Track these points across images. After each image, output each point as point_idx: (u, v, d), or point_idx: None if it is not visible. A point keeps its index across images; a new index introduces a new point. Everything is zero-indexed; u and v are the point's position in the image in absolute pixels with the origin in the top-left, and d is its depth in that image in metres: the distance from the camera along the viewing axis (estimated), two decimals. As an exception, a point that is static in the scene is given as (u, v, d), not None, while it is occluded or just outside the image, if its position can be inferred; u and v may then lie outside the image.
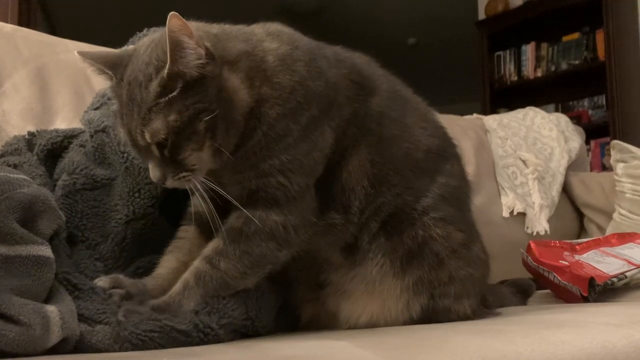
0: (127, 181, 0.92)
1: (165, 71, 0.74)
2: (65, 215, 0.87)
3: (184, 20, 0.73)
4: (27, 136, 1.01)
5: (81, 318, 0.70)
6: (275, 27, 0.89)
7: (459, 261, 0.91)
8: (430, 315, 0.89)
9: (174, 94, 0.74)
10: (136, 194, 0.91)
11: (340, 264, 0.91)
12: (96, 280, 0.81)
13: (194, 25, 0.81)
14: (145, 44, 0.81)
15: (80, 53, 0.81)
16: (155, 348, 0.70)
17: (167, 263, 0.86)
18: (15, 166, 0.92)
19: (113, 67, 0.80)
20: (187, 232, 0.89)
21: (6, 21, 2.40)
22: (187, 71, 0.74)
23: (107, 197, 0.92)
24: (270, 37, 0.86)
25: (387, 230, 0.89)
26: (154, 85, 0.74)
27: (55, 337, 0.64)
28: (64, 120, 1.16)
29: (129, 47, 0.87)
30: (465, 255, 0.92)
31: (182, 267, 0.84)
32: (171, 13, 0.72)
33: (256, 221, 0.80)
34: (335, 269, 0.91)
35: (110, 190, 0.93)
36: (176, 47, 0.73)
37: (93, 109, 1.03)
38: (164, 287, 0.84)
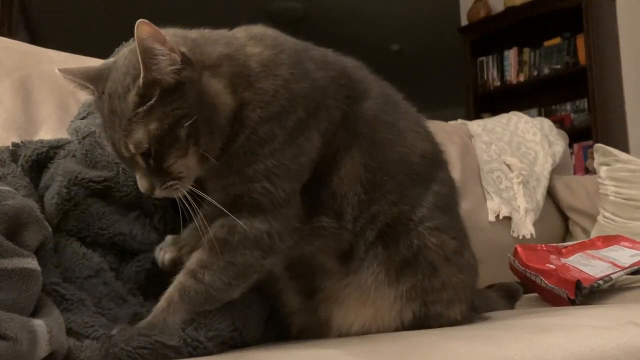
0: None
1: (141, 80, 0.73)
2: (79, 225, 0.87)
3: (154, 26, 0.72)
4: (11, 147, 1.00)
5: (69, 332, 0.69)
6: (258, 30, 0.88)
7: (452, 268, 0.91)
8: (422, 322, 0.89)
9: (152, 102, 0.73)
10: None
11: (336, 271, 0.90)
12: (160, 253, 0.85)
13: (170, 31, 0.80)
14: (124, 54, 0.80)
15: (61, 70, 0.80)
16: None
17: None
18: (-1, 178, 0.91)
19: (94, 82, 0.79)
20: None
21: (-13, 31, 2.38)
22: (162, 78, 0.73)
23: (118, 191, 0.92)
24: (252, 41, 0.85)
25: (384, 240, 0.88)
26: (132, 95, 0.74)
27: (42, 352, 0.63)
28: (49, 131, 1.15)
29: (109, 60, 0.86)
30: (457, 262, 0.92)
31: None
32: (139, 20, 0.71)
33: (240, 229, 0.79)
34: (329, 277, 0.90)
35: (112, 189, 0.92)
36: (148, 54, 0.72)
37: (79, 118, 1.02)
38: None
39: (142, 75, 0.73)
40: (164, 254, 0.87)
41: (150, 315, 0.77)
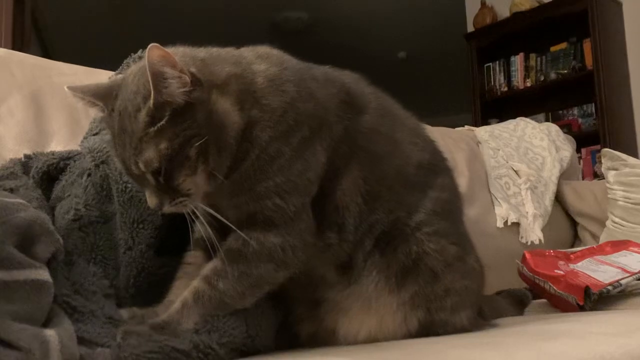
0: (130, 212, 0.91)
1: (151, 102, 0.74)
2: (79, 248, 0.88)
3: (165, 50, 0.73)
4: (23, 159, 1.01)
5: (81, 341, 0.69)
6: (263, 49, 0.90)
7: (454, 274, 0.91)
8: (428, 329, 0.90)
9: (163, 122, 0.74)
10: (140, 225, 0.91)
11: (336, 282, 0.91)
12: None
13: (180, 50, 0.81)
14: (133, 72, 0.81)
15: (70, 88, 0.81)
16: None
17: (177, 290, 0.86)
18: (11, 190, 0.91)
19: (103, 99, 0.80)
20: (195, 258, 0.89)
21: (0, 46, 2.41)
22: (172, 100, 0.74)
23: (115, 230, 0.92)
24: (259, 59, 0.86)
25: (381, 248, 0.89)
26: (143, 115, 0.75)
27: (54, 361, 0.63)
28: (60, 143, 1.16)
29: (118, 77, 0.87)
30: (460, 268, 0.92)
31: None
32: (151, 45, 0.72)
33: (254, 243, 0.80)
34: (330, 287, 0.91)
35: (115, 223, 0.93)
36: (158, 78, 0.73)
37: (92, 134, 1.03)
38: None
39: (152, 98, 0.74)
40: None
41: (164, 315, 0.78)
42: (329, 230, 0.88)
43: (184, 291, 0.83)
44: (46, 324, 0.68)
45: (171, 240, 0.93)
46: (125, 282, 0.90)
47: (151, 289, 0.89)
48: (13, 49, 1.84)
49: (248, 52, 0.88)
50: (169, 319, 0.77)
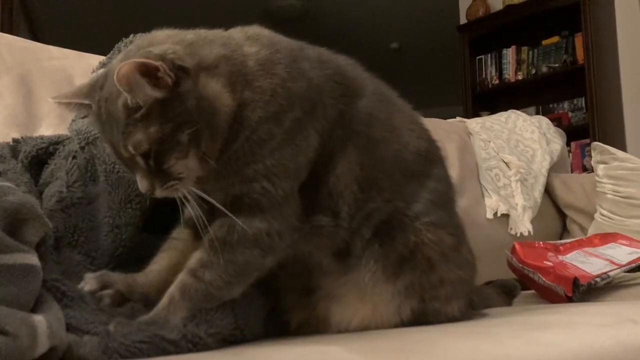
0: (119, 191, 0.90)
1: (129, 101, 0.72)
2: (60, 230, 0.86)
3: (139, 61, 0.70)
4: (11, 143, 1.00)
5: (69, 327, 0.69)
6: (254, 30, 0.88)
7: (449, 264, 0.91)
8: (421, 318, 0.90)
9: (145, 109, 0.73)
10: (128, 205, 0.90)
11: (333, 269, 0.90)
12: (83, 283, 0.80)
13: (166, 33, 0.80)
14: (119, 59, 0.79)
15: (54, 98, 0.80)
16: (145, 358, 0.70)
17: (160, 261, 0.85)
18: (-1, 174, 0.91)
19: (90, 95, 0.79)
20: (182, 234, 0.88)
21: (-14, 27, 2.37)
22: (157, 95, 0.73)
23: (98, 211, 0.91)
24: (249, 40, 0.85)
25: (380, 237, 0.89)
26: (127, 103, 0.73)
27: (42, 347, 0.63)
28: (49, 127, 1.15)
29: (100, 71, 0.86)
30: (455, 259, 0.92)
31: (175, 266, 0.84)
32: (120, 65, 0.69)
33: (239, 229, 0.79)
34: (326, 275, 0.91)
35: (100, 204, 0.91)
36: (135, 94, 0.72)
37: (80, 117, 1.02)
38: (154, 283, 0.84)
39: (129, 101, 0.72)
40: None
41: (152, 312, 0.77)
42: (321, 214, 0.86)
43: (165, 262, 0.83)
44: (35, 309, 0.68)
45: (157, 218, 0.92)
46: (108, 259, 0.89)
47: (133, 266, 0.88)
48: (2, 32, 1.82)
49: (237, 33, 0.87)
50: (156, 316, 0.76)
